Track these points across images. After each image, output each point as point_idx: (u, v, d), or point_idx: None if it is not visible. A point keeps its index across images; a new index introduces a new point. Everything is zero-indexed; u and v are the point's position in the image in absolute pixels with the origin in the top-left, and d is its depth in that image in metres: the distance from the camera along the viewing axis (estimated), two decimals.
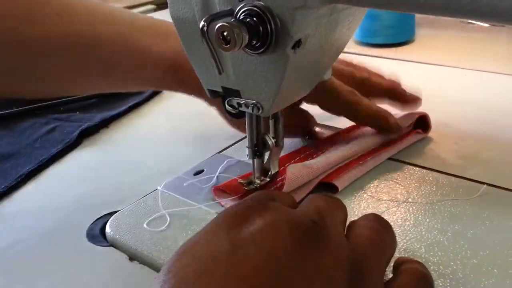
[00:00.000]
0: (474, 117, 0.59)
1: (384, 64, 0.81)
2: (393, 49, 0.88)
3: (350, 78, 0.50)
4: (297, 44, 0.32)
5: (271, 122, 0.43)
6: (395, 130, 0.48)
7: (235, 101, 0.39)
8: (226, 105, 0.39)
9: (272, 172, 0.44)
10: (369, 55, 0.85)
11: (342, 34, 0.37)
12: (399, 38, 0.90)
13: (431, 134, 0.53)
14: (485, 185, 0.43)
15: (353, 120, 0.51)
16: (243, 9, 0.32)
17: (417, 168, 0.47)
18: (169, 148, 0.57)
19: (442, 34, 0.92)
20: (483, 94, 0.66)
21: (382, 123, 0.48)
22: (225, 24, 0.30)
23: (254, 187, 0.43)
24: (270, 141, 0.42)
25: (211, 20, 0.32)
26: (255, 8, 0.31)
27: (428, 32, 0.93)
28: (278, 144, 0.44)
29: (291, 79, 0.36)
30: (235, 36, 0.29)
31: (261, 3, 0.31)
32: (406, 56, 0.83)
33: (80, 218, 0.43)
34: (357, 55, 0.85)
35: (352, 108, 0.48)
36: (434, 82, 0.72)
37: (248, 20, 0.31)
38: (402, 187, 0.44)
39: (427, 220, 0.39)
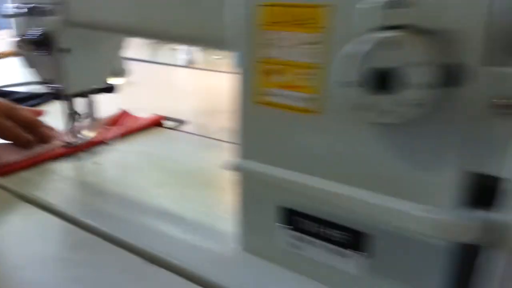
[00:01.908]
0: None
1: None
2: None
3: None
4: (67, 50, 0.59)
5: (86, 105, 0.69)
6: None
7: (50, 86, 0.65)
8: (49, 88, 0.66)
9: (88, 136, 0.70)
10: None
11: (111, 44, 0.64)
12: None
13: None
14: None
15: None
16: (37, 33, 0.58)
17: None
18: None
19: None
20: None
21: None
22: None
23: (72, 145, 0.69)
24: (81, 115, 0.69)
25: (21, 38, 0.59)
26: (42, 32, 0.58)
27: None
28: (93, 119, 0.70)
29: (76, 72, 0.62)
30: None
31: (44, 29, 0.58)
32: None
33: None
34: None
35: None
36: None
37: (39, 37, 0.58)
38: None
39: None
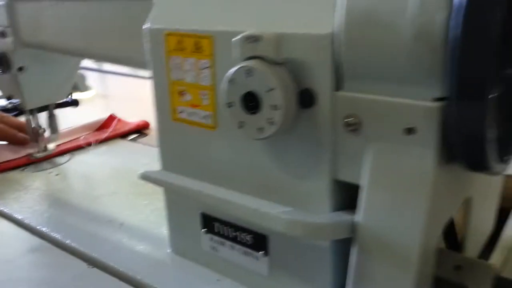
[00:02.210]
0: None
1: None
2: None
3: None
4: (20, 68, 0.63)
5: (48, 119, 0.74)
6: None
7: (12, 101, 0.70)
8: (9, 103, 0.70)
9: (50, 148, 0.75)
10: None
11: (66, 63, 0.69)
12: None
13: None
14: None
15: None
16: None
17: None
18: None
19: None
20: None
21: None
22: None
23: (34, 157, 0.73)
24: (41, 129, 0.73)
25: None
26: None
27: None
28: (54, 131, 0.74)
29: (32, 88, 0.66)
30: None
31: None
32: None
33: None
34: None
35: None
36: None
37: None
38: None
39: None
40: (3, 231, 0.58)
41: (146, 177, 0.43)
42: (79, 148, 0.78)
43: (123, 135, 0.84)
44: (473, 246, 0.42)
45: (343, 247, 0.35)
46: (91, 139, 0.79)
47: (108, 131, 0.82)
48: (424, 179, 0.29)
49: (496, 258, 0.43)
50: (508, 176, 0.50)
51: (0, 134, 0.77)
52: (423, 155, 0.28)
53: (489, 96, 0.23)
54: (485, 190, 0.41)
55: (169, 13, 0.39)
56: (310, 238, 0.35)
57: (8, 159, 0.72)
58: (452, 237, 0.39)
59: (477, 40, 0.23)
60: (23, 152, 0.74)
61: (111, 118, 0.87)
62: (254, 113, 0.32)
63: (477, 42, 0.23)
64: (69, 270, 0.50)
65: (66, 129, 0.84)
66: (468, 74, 0.24)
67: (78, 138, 0.81)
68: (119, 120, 0.87)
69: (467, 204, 0.38)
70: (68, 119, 0.83)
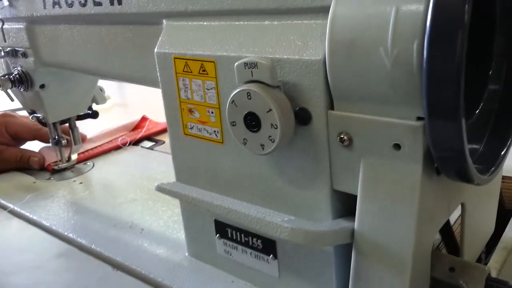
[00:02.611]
0: None
1: None
2: None
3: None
4: (42, 86, 0.67)
5: (70, 131, 0.78)
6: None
7: (35, 115, 0.74)
8: (32, 117, 0.74)
9: (72, 158, 0.79)
10: None
11: (84, 79, 0.72)
12: None
13: None
14: None
15: None
16: (15, 72, 0.67)
17: None
18: None
19: None
20: None
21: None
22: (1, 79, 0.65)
23: (58, 167, 0.78)
24: (64, 140, 0.77)
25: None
26: (20, 71, 0.66)
27: None
28: (76, 143, 0.78)
29: (53, 103, 0.70)
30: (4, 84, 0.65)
31: (22, 69, 0.66)
32: None
33: None
34: None
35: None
36: None
37: (16, 76, 0.66)
38: None
39: None
40: (33, 238, 0.62)
41: (162, 189, 0.46)
42: (117, 148, 0.86)
43: (144, 139, 0.89)
44: (472, 248, 0.44)
45: (345, 251, 0.38)
46: (128, 139, 0.87)
47: (142, 131, 0.89)
48: (412, 190, 0.31)
49: (495, 260, 0.45)
50: (507, 177, 0.52)
51: (46, 137, 0.80)
52: (410, 168, 0.31)
53: (458, 116, 0.25)
54: (480, 195, 0.43)
55: (176, 39, 0.42)
56: (312, 245, 0.37)
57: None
58: (452, 241, 0.41)
59: (439, 65, 0.25)
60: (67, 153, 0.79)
61: (144, 119, 0.93)
62: (256, 131, 0.35)
63: (439, 68, 0.25)
64: (95, 273, 0.54)
65: (105, 131, 0.90)
66: (434, 97, 0.26)
67: (116, 138, 0.87)
68: (150, 120, 0.93)
69: (462, 210, 0.40)
70: (87, 129, 0.88)
